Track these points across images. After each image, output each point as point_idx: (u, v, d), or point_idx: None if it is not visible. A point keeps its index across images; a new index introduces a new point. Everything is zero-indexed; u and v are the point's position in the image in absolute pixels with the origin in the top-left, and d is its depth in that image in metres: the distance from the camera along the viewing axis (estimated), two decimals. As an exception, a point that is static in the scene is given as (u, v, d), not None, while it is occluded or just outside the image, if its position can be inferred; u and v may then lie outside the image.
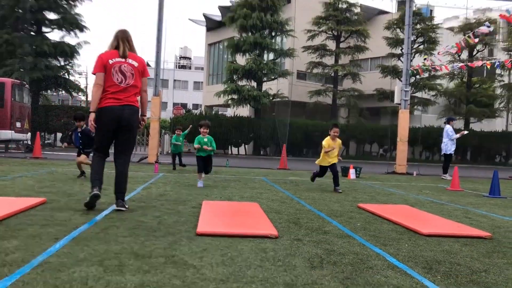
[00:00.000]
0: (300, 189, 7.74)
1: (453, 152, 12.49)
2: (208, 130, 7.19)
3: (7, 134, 16.05)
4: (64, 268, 2.53)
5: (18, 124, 16.94)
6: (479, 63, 12.71)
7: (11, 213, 3.97)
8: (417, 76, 25.58)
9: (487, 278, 2.77)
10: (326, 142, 7.54)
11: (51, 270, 2.49)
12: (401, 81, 15.55)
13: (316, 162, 7.94)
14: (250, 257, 2.97)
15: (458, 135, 12.32)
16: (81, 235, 3.38)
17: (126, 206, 4.58)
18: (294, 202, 5.94)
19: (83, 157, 7.53)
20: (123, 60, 4.55)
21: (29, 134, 18.03)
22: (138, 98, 4.71)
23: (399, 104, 14.28)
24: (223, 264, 2.76)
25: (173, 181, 8.13)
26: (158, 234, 3.54)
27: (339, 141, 7.70)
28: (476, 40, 13.03)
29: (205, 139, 7.15)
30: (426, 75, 24.69)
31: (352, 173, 11.08)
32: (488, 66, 12.08)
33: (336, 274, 2.67)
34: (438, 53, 14.40)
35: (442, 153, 12.67)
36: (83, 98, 44.33)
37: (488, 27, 12.52)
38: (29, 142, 17.78)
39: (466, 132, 13.18)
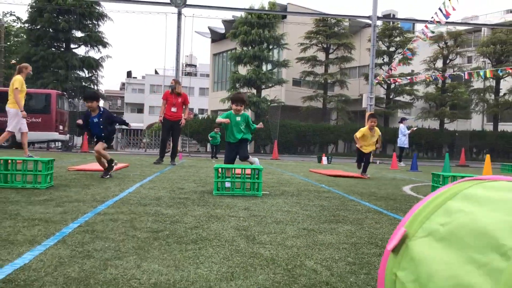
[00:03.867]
0: (281, 167, 11.54)
1: (407, 146, 16.22)
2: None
3: (54, 135, 19.97)
4: (166, 178, 6.37)
5: (60, 127, 20.83)
6: (422, 77, 16.48)
7: (122, 167, 7.82)
8: (396, 83, 29.34)
9: (338, 183, 6.57)
10: (359, 132, 7.73)
11: (163, 179, 6.32)
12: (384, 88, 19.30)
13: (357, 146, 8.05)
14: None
15: (409, 131, 16.06)
16: (164, 173, 7.21)
17: (175, 164, 8.89)
18: (273, 170, 9.76)
19: (100, 146, 5.68)
20: None
21: (68, 135, 21.93)
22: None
23: (366, 107, 18.08)
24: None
25: (195, 161, 11.95)
26: (200, 173, 7.37)
27: (378, 131, 7.79)
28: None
29: (237, 118, 5.45)
30: (406, 81, 28.43)
31: (324, 160, 14.86)
32: (428, 80, 15.81)
33: (275, 180, 6.50)
34: (409, 50, 17.16)
35: (398, 145, 16.43)
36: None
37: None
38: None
39: (415, 128, 16.93)
